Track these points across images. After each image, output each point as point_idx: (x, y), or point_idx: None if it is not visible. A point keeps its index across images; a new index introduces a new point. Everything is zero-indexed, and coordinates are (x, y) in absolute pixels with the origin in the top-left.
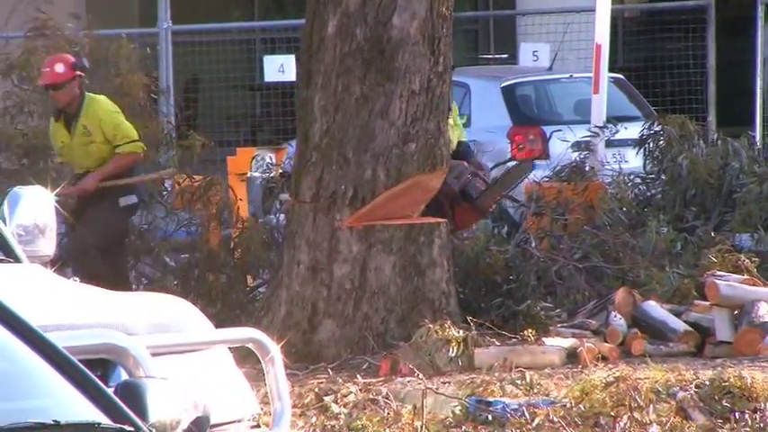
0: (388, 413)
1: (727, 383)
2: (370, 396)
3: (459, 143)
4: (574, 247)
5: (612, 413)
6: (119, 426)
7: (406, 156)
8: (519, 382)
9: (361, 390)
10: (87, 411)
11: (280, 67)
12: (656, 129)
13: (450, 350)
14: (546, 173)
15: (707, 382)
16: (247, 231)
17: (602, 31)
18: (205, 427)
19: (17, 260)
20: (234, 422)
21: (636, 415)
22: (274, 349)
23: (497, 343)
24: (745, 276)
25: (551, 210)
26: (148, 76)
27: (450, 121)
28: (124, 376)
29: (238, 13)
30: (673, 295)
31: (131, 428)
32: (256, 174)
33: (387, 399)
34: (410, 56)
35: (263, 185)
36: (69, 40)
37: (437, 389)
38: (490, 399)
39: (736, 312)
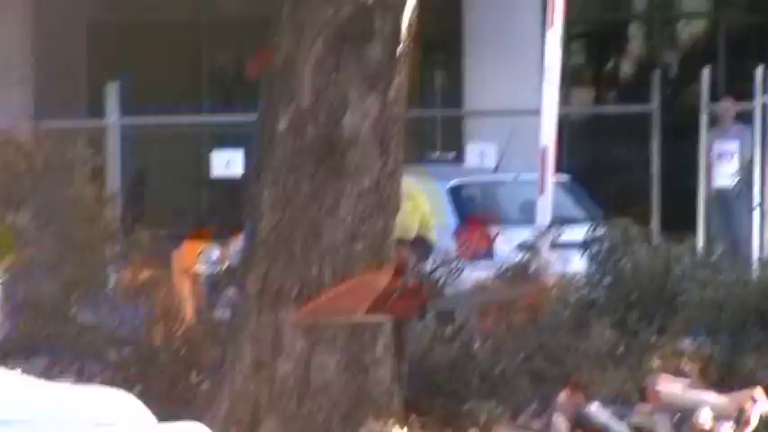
0: None
1: None
2: None
3: (422, 239)
4: (517, 348)
5: None
6: None
7: (354, 254)
8: None
9: None
10: None
11: (227, 162)
12: (601, 232)
13: None
14: (490, 272)
15: None
16: (191, 327)
17: (548, 133)
18: None
19: None
20: None
21: None
22: None
23: None
24: (688, 380)
25: (496, 310)
26: (98, 176)
27: (410, 205)
28: None
29: (187, 107)
30: (616, 398)
31: None
32: (202, 268)
33: None
34: (361, 155)
35: (208, 280)
36: (17, 143)
37: None
38: None
39: (677, 416)
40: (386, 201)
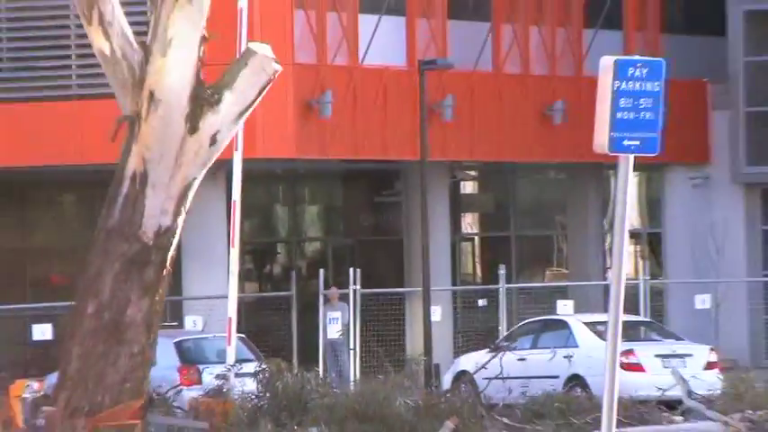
0: None
1: None
2: None
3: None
4: None
5: None
6: None
7: (124, 391)
8: None
9: None
10: None
11: (43, 332)
12: (264, 367)
13: None
14: (200, 393)
15: None
16: (21, 429)
17: (232, 309)
18: None
19: None
20: None
21: None
22: None
23: None
24: None
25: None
26: None
27: None
28: None
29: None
30: None
31: None
32: (27, 395)
33: None
34: (134, 332)
35: (31, 402)
36: None
37: None
38: None
39: None
40: (147, 360)
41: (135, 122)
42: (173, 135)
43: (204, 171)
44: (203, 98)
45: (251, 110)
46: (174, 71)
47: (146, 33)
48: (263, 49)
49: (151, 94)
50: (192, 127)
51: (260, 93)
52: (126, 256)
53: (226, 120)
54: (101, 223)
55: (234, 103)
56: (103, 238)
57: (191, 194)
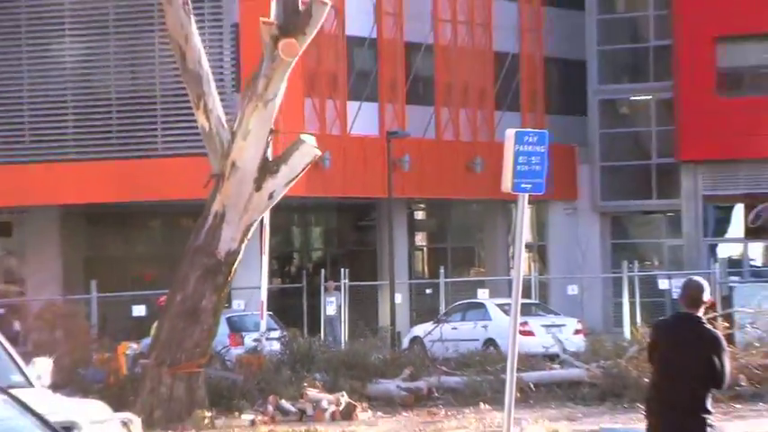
0: None
1: None
2: None
3: None
4: (258, 375)
5: None
6: None
7: (197, 353)
8: None
9: None
10: None
11: (139, 311)
12: (284, 334)
13: None
14: (242, 351)
15: None
16: (125, 375)
17: (264, 296)
18: None
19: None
20: None
21: None
22: (137, 421)
23: None
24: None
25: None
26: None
27: None
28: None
29: None
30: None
31: None
32: (129, 352)
33: None
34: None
35: (132, 357)
36: None
37: None
38: None
39: None
40: (212, 333)
41: (220, 179)
42: (244, 191)
43: (262, 215)
44: (267, 168)
45: (297, 179)
46: (250, 150)
47: (234, 114)
48: (310, 140)
49: (233, 163)
50: (258, 187)
51: (304, 168)
52: (205, 267)
53: (280, 184)
54: (190, 243)
55: (286, 174)
56: (191, 253)
57: (252, 230)
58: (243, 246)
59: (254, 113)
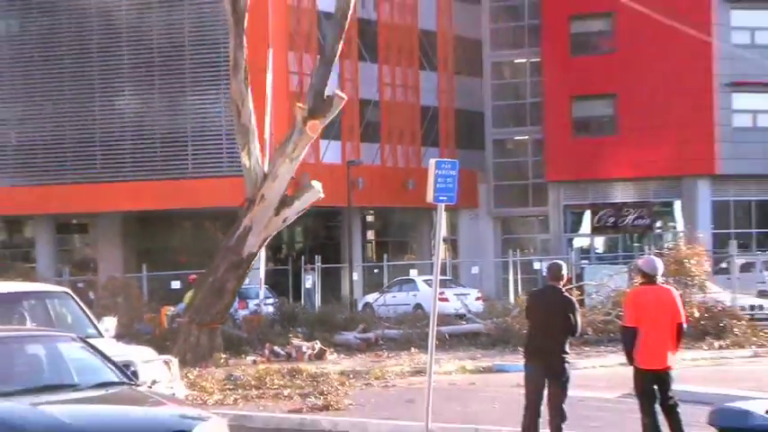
0: None
1: None
2: None
3: None
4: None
5: None
6: (131, 382)
7: (222, 314)
8: None
9: None
10: (123, 377)
11: (175, 285)
12: (277, 300)
13: None
14: (247, 313)
15: None
16: (165, 329)
17: (262, 273)
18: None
19: (101, 335)
20: (157, 382)
21: None
22: (175, 361)
23: None
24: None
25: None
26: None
27: None
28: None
29: None
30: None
31: (133, 383)
32: (169, 313)
33: None
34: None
35: (171, 316)
36: None
37: None
38: None
39: None
40: (230, 304)
41: (251, 203)
42: (267, 215)
43: (275, 232)
44: (285, 202)
45: (305, 209)
46: (276, 188)
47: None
48: (317, 185)
49: (263, 195)
50: (276, 212)
51: (309, 204)
52: (232, 262)
53: (292, 213)
54: (224, 242)
55: (297, 207)
56: (224, 250)
57: (267, 240)
58: (260, 250)
59: (282, 165)
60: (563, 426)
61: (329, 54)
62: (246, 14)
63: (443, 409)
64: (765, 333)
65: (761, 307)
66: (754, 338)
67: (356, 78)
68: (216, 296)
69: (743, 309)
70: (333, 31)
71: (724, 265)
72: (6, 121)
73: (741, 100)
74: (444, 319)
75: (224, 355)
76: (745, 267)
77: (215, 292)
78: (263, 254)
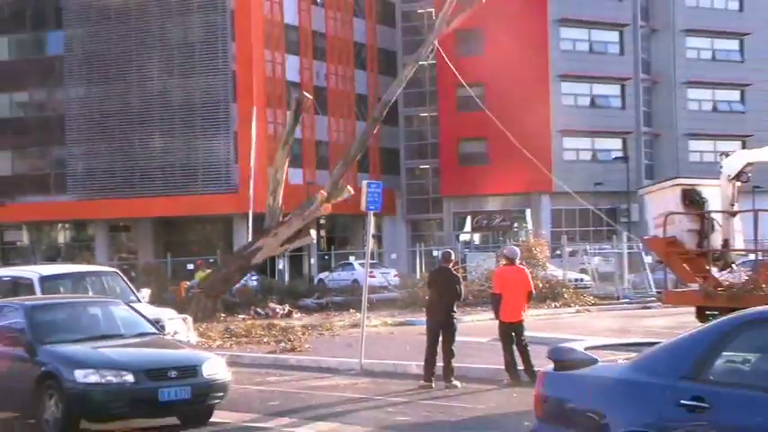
0: None
1: None
2: None
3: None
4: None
5: None
6: (159, 333)
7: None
8: None
9: None
10: (154, 329)
11: (190, 267)
12: (258, 278)
13: None
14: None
15: None
16: (183, 297)
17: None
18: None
19: (140, 301)
20: (177, 333)
21: None
22: (189, 318)
23: None
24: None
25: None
26: None
27: None
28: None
29: None
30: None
31: (161, 333)
32: (186, 286)
33: None
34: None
35: (187, 288)
36: None
37: None
38: None
39: None
40: (234, 284)
41: (267, 233)
42: (274, 245)
43: (279, 251)
44: (288, 240)
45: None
46: (284, 234)
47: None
48: (313, 234)
49: (275, 233)
50: (281, 245)
51: (301, 244)
52: (240, 266)
53: (291, 247)
54: (239, 249)
55: (296, 244)
56: (237, 256)
57: (269, 256)
58: (260, 259)
59: (296, 221)
60: (452, 360)
61: (349, 158)
62: (301, 117)
63: (372, 349)
64: (584, 297)
65: (581, 279)
66: (577, 300)
67: (313, 126)
68: (223, 284)
69: (570, 281)
70: (359, 143)
71: (558, 252)
72: (76, 156)
73: (569, 142)
74: (372, 289)
75: (223, 315)
76: (572, 254)
77: (223, 280)
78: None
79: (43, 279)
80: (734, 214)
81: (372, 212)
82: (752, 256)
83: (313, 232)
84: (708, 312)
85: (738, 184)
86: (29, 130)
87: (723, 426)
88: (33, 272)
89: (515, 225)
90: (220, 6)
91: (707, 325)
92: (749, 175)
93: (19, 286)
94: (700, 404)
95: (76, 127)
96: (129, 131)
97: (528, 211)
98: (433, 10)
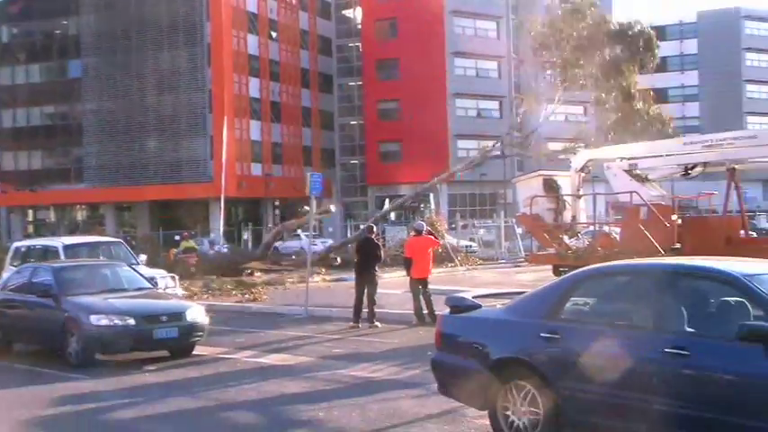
0: None
1: None
2: None
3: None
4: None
5: None
6: (154, 287)
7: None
8: None
9: None
10: (150, 285)
11: (178, 238)
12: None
13: None
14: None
15: None
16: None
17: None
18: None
19: (139, 264)
20: (168, 288)
21: None
22: (177, 277)
23: None
24: None
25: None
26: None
27: None
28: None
29: None
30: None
31: (155, 288)
32: (174, 252)
33: None
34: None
35: (176, 253)
36: None
37: None
38: None
39: None
40: None
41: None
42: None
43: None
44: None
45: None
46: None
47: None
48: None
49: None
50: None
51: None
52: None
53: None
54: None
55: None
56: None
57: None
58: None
59: (296, 222)
60: (374, 307)
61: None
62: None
63: (314, 299)
64: (473, 258)
65: (471, 246)
66: (467, 261)
67: (270, 131)
68: (265, 248)
69: (462, 247)
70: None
71: (453, 226)
72: (91, 154)
73: (462, 143)
74: (314, 256)
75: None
76: (464, 227)
77: (265, 246)
78: (221, 220)
79: (66, 247)
80: (579, 197)
81: (314, 196)
82: (591, 228)
83: (333, 206)
84: (561, 269)
85: (583, 174)
86: (55, 135)
87: (570, 350)
88: (58, 241)
89: (422, 206)
90: (199, 41)
91: (560, 278)
92: (590, 168)
93: (48, 252)
94: (554, 335)
95: (91, 132)
96: (131, 135)
97: (431, 196)
98: (359, 44)
